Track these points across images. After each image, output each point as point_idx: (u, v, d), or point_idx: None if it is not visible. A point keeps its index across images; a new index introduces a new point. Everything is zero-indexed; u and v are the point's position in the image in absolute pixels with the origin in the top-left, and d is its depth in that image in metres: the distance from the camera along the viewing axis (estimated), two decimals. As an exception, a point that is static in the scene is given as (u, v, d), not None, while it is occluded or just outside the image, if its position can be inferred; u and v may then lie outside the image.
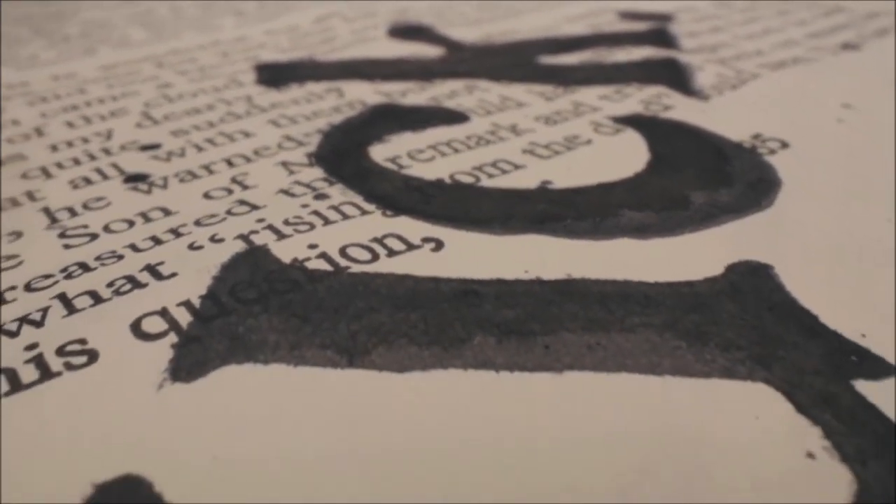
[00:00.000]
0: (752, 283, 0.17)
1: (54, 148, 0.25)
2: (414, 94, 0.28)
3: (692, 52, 0.31)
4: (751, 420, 0.13)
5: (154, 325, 0.16)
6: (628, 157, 0.23)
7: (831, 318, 0.16)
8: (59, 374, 0.14)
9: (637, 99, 0.27)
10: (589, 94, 0.27)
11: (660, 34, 0.33)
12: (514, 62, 0.30)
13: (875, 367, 0.14)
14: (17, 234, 0.20)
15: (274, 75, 0.30)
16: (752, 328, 0.15)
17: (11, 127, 0.27)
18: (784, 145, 0.23)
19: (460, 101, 0.27)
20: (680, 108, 0.26)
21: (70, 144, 0.25)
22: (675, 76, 0.28)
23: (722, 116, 0.25)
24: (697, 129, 0.24)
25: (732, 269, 0.17)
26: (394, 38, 0.35)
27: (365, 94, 0.28)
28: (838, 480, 0.12)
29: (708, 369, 0.14)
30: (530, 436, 0.13)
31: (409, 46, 0.34)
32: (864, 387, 0.14)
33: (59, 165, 0.24)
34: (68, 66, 0.34)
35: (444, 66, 0.30)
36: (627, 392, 0.14)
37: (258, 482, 0.12)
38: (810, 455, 0.13)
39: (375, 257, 0.18)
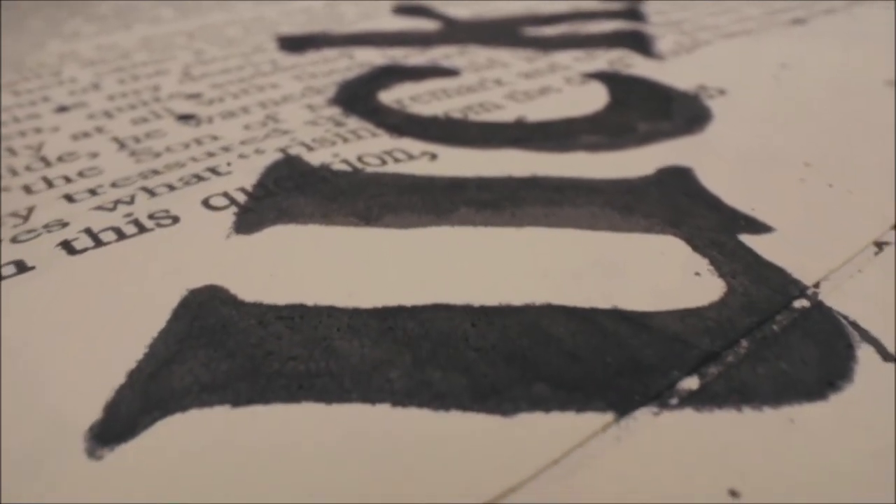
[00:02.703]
0: (674, 178, 0.23)
1: (111, 97, 0.31)
2: (414, 57, 0.34)
3: (657, 26, 0.37)
4: (658, 255, 0.19)
5: (219, 201, 0.22)
6: (591, 100, 0.29)
7: (731, 199, 0.22)
8: (151, 229, 0.20)
9: (604, 59, 0.33)
10: (564, 57, 0.33)
11: (631, 12, 0.40)
12: (502, 33, 0.37)
13: (756, 227, 0.20)
14: (94, 155, 0.26)
15: (293, 44, 0.36)
16: (669, 205, 0.21)
17: (69, 83, 0.33)
18: (722, 92, 0.29)
19: (454, 61, 0.33)
20: (639, 67, 0.32)
21: (124, 95, 0.31)
22: (638, 42, 0.34)
23: (674, 72, 0.31)
24: (651, 80, 0.30)
25: (661, 170, 0.23)
26: (397, 15, 0.41)
27: (373, 57, 0.34)
28: (714, 287, 0.18)
29: (631, 227, 0.20)
30: (497, 260, 0.19)
31: (410, 22, 0.40)
32: (746, 239, 0.20)
33: (119, 109, 0.30)
34: (109, 38, 0.40)
35: (440, 36, 0.37)
36: (570, 239, 0.20)
37: (303, 288, 0.18)
38: (697, 273, 0.18)
39: (384, 163, 0.24)
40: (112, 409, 0.15)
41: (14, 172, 0.25)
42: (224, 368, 0.16)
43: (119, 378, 0.16)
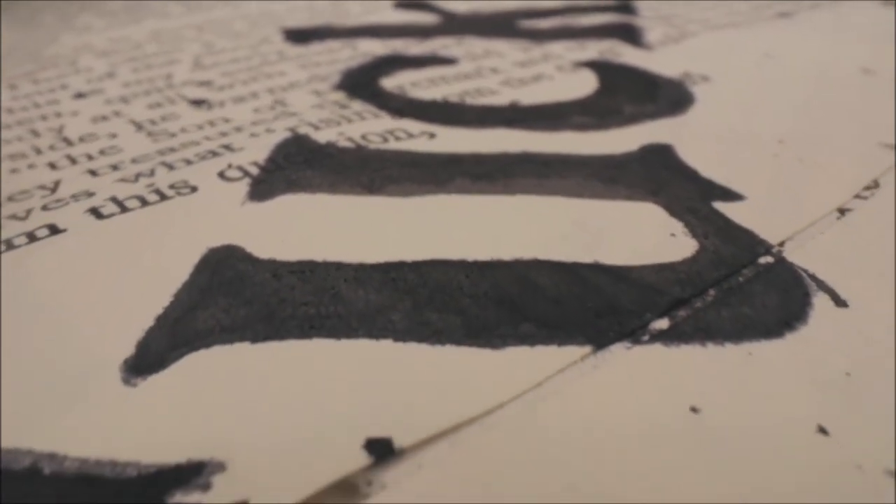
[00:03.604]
0: (655, 154, 0.25)
1: (126, 85, 0.33)
2: (414, 47, 0.36)
3: (648, 19, 0.39)
4: (637, 219, 0.21)
5: (234, 173, 0.24)
6: (581, 86, 0.31)
7: (708, 173, 0.24)
8: (172, 197, 0.22)
9: (595, 49, 0.35)
10: (557, 47, 0.35)
11: (623, 7, 0.42)
12: (498, 25, 0.39)
13: (729, 195, 0.22)
14: (113, 135, 0.28)
15: (299, 36, 0.38)
16: (651, 177, 0.23)
17: (86, 72, 0.35)
18: (706, 79, 0.31)
19: (452, 51, 0.35)
20: (628, 56, 0.34)
21: (139, 82, 0.33)
22: (628, 34, 0.36)
23: (661, 60, 0.33)
24: (638, 68, 0.32)
25: (644, 147, 0.25)
26: (397, 9, 0.43)
27: (374, 48, 0.36)
28: (687, 246, 0.20)
29: (614, 196, 0.22)
30: (490, 223, 0.21)
31: (410, 15, 0.42)
32: (719, 206, 0.22)
33: (134, 95, 0.32)
34: (121, 31, 0.42)
35: (439, 28, 0.39)
36: (557, 205, 0.22)
37: (312, 248, 0.20)
38: (672, 234, 0.21)
39: (386, 141, 0.26)
40: (143, 346, 0.17)
41: (38, 151, 0.27)
42: (242, 313, 0.18)
43: (148, 322, 0.18)
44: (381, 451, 0.14)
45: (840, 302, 0.18)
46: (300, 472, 0.13)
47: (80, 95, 0.32)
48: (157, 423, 0.15)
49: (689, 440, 0.14)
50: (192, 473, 0.14)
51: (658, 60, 0.33)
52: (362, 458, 0.14)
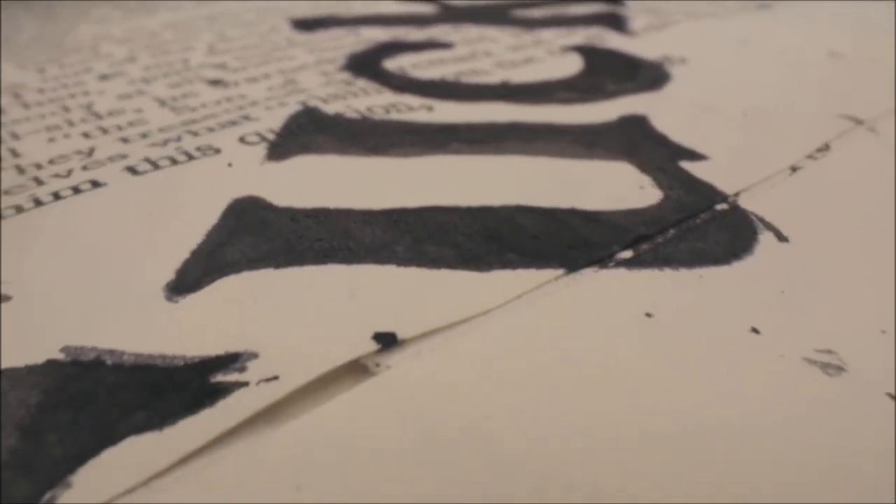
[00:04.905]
0: (632, 123, 0.28)
1: (147, 68, 0.37)
2: (414, 34, 0.39)
3: (634, 11, 0.43)
4: (612, 175, 0.25)
5: (252, 138, 0.27)
6: (568, 67, 0.34)
7: (677, 138, 0.27)
8: (199, 157, 0.26)
9: (582, 35, 0.38)
10: (547, 34, 0.39)
11: (612, -2, 0.45)
12: (493, 14, 0.42)
13: (695, 156, 0.26)
14: (139, 110, 0.31)
15: (306, 24, 0.42)
16: (626, 141, 0.27)
17: (107, 57, 0.39)
18: (683, 61, 0.35)
19: (449, 37, 0.39)
20: (613, 41, 0.37)
21: (158, 66, 0.37)
22: (613, 21, 0.40)
23: (642, 45, 0.37)
24: (621, 51, 0.36)
25: (621, 117, 0.29)
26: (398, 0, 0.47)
27: (377, 35, 0.40)
28: (653, 196, 0.23)
29: (592, 155, 0.26)
30: (480, 177, 0.24)
31: (409, 6, 0.45)
32: (685, 165, 0.25)
33: (155, 77, 0.35)
34: (136, 22, 0.45)
35: (437, 17, 0.42)
36: (540, 163, 0.25)
37: (324, 199, 0.23)
38: (641, 187, 0.24)
39: (388, 112, 0.29)
40: (181, 273, 0.20)
41: (71, 123, 0.30)
42: (266, 248, 0.21)
43: (184, 255, 0.21)
44: (387, 340, 0.17)
45: (782, 238, 0.21)
46: (320, 356, 0.17)
47: (104, 77, 0.36)
48: (198, 328, 0.18)
49: (642, 336, 0.18)
50: (230, 361, 0.17)
51: (641, 45, 0.37)
52: (371, 346, 0.17)
